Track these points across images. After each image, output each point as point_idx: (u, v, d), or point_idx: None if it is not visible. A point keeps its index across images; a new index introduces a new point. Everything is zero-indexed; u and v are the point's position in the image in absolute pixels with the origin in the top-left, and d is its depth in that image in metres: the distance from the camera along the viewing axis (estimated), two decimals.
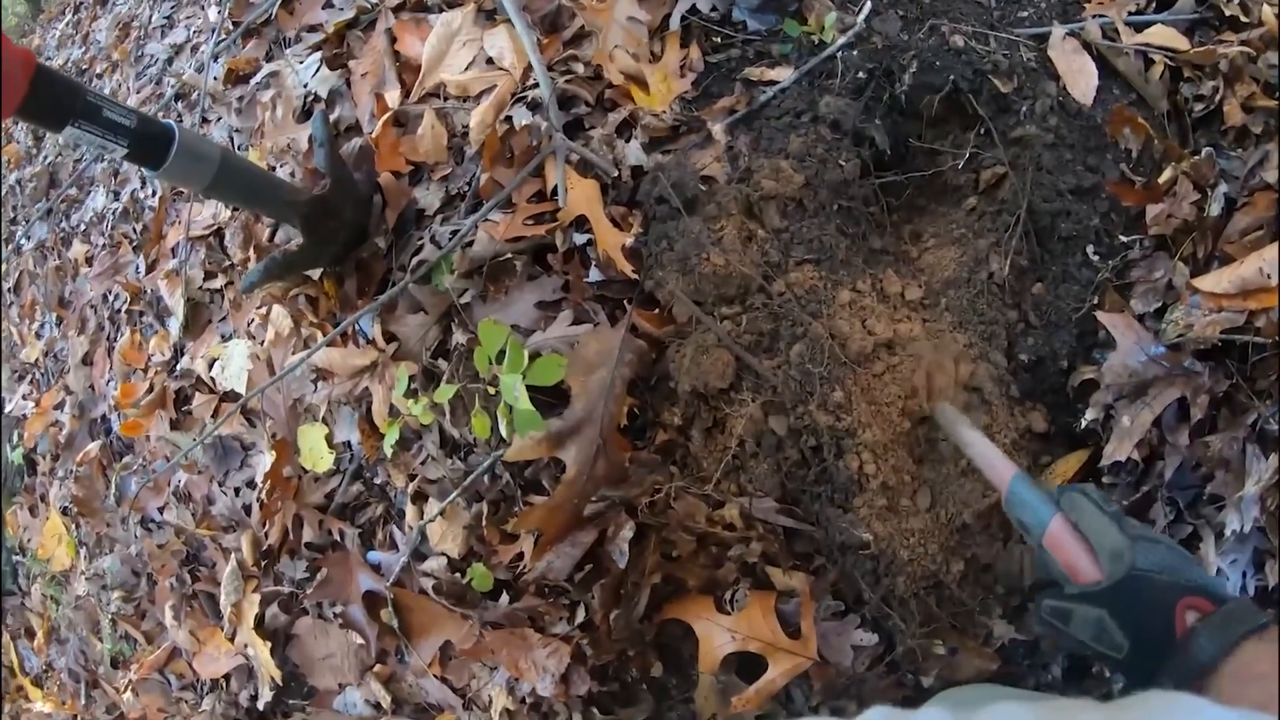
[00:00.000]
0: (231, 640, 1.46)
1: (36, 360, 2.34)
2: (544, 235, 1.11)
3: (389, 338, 1.19)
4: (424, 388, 1.15)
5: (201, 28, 2.09)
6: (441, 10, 1.38)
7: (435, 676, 1.19)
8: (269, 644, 1.36)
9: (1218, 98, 1.12)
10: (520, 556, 1.09)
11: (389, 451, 1.19)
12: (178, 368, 1.66)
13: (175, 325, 1.68)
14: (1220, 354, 0.96)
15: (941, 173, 1.15)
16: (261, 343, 1.44)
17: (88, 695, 1.98)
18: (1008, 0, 1.24)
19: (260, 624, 1.38)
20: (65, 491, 2.00)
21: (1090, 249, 1.08)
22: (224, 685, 1.52)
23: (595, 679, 1.06)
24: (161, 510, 1.68)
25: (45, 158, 2.78)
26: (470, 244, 1.13)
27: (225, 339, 1.56)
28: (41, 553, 2.13)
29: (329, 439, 1.31)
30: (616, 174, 1.13)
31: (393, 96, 1.34)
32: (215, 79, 1.77)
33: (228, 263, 1.59)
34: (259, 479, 1.43)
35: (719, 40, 1.25)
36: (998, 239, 1.09)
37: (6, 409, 2.34)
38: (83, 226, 2.28)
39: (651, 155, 1.14)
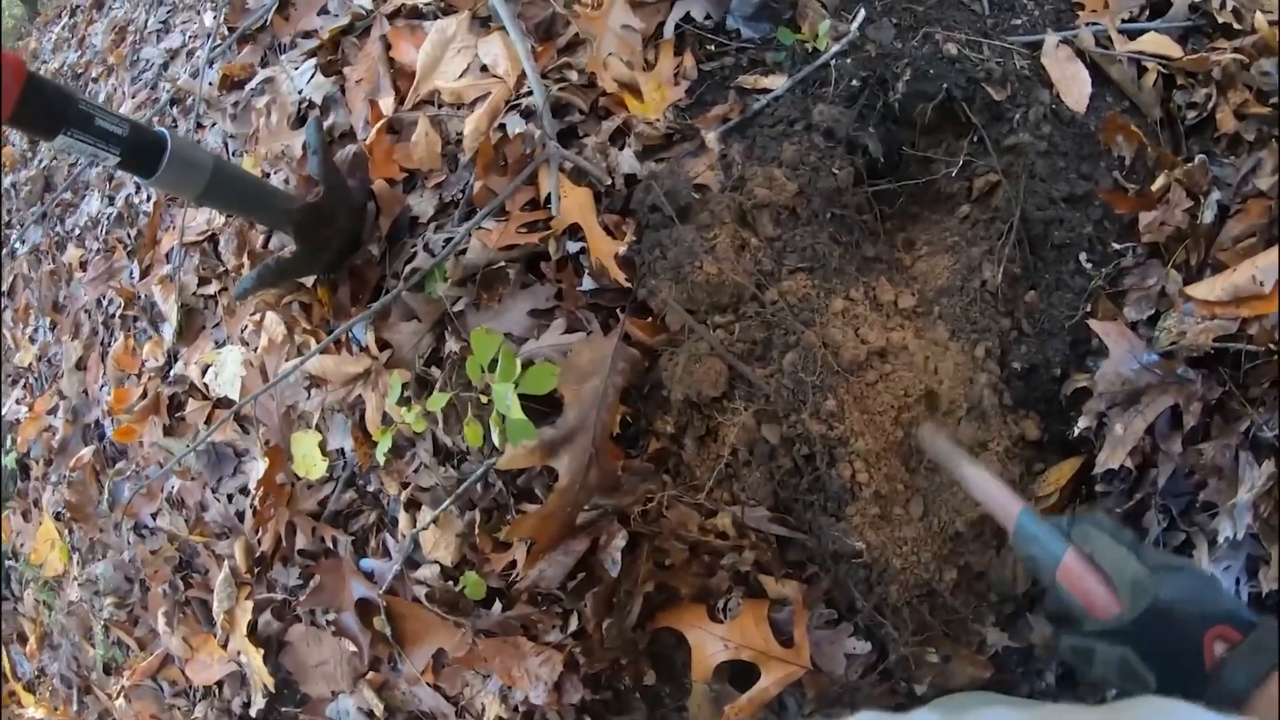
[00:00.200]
0: (224, 647, 1.46)
1: (30, 364, 2.34)
2: (537, 243, 1.11)
3: (382, 345, 1.19)
4: (417, 395, 1.15)
5: (197, 33, 2.09)
6: (436, 17, 1.38)
7: (428, 684, 1.19)
8: (262, 651, 1.36)
9: (1211, 105, 1.12)
10: (513, 565, 1.08)
11: (382, 459, 1.19)
12: (171, 373, 1.65)
13: (169, 331, 1.68)
14: (1213, 361, 0.96)
15: (935, 180, 1.15)
16: (255, 349, 1.43)
17: (80, 701, 1.97)
18: (1001, 8, 1.24)
19: (253, 631, 1.38)
20: (58, 497, 2.00)
21: (1083, 257, 1.08)
22: (217, 692, 1.51)
23: (588, 687, 1.06)
24: (154, 516, 1.67)
25: (40, 161, 2.78)
26: (464, 252, 1.12)
27: (219, 345, 1.56)
28: (34, 558, 2.12)
29: (322, 446, 1.31)
30: (610, 182, 1.13)
31: (387, 103, 1.34)
32: (210, 84, 1.76)
33: (221, 269, 1.59)
34: (252, 486, 1.42)
35: (713, 48, 1.25)
36: (991, 247, 1.09)
37: (1, 413, 2.34)
38: (77, 231, 2.27)
39: (645, 163, 1.14)
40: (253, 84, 1.65)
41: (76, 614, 1.96)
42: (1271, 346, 0.92)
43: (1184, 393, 0.96)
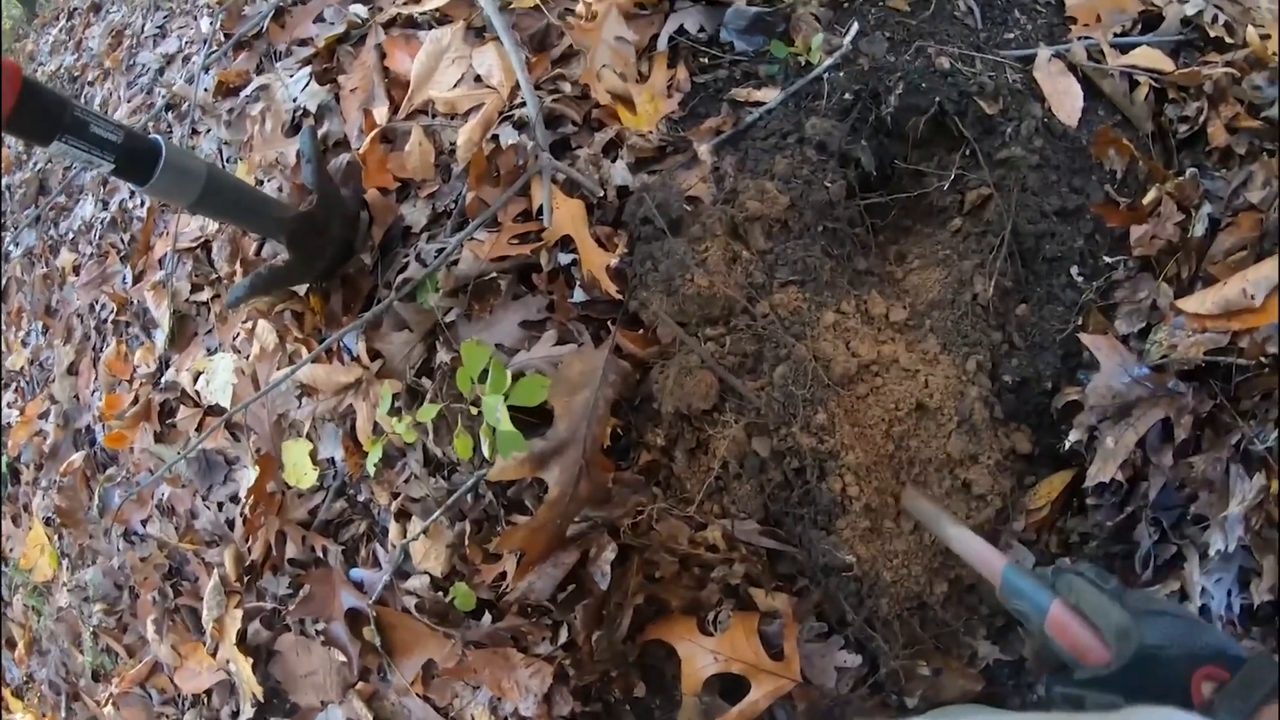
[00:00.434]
0: (213, 655, 1.45)
1: (22, 368, 2.33)
2: (529, 255, 1.11)
3: (373, 355, 1.19)
4: (408, 406, 1.15)
5: (193, 38, 2.09)
6: (431, 27, 1.38)
7: (418, 695, 1.18)
8: (251, 660, 1.35)
9: (1202, 119, 1.13)
10: (503, 576, 1.08)
11: (372, 469, 1.18)
12: (163, 380, 1.65)
13: (161, 337, 1.67)
14: (1204, 374, 0.97)
15: (927, 194, 1.15)
16: (247, 357, 1.43)
17: (68, 708, 1.96)
18: (994, 22, 1.25)
19: (242, 640, 1.37)
20: (48, 502, 1.99)
21: (1075, 270, 1.08)
22: (205, 701, 1.50)
23: (578, 699, 1.05)
24: (144, 523, 1.67)
25: (35, 164, 2.77)
26: (456, 262, 1.12)
27: (210, 352, 1.55)
28: (24, 563, 2.11)
29: (313, 455, 1.31)
30: (602, 194, 1.13)
31: (381, 113, 1.34)
32: (205, 91, 1.76)
33: (214, 276, 1.59)
34: (242, 494, 1.42)
35: (706, 61, 1.25)
36: (982, 260, 1.09)
37: None
38: (71, 235, 2.27)
39: (637, 175, 1.14)
40: (248, 91, 1.65)
41: (65, 620, 1.95)
42: (1262, 359, 0.92)
43: (1175, 406, 0.96)
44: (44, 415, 2.12)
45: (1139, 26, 1.23)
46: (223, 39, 1.81)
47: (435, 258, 1.15)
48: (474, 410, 1.00)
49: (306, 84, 1.48)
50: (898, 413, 1.01)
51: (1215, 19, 1.20)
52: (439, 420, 1.10)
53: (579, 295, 1.09)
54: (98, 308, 2.00)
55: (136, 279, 1.85)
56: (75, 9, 3.50)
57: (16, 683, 2.22)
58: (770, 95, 1.18)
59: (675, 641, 1.02)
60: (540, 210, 1.13)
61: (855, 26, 1.21)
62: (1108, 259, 1.08)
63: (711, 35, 1.26)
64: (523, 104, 1.21)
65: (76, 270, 2.15)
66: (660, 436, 1.05)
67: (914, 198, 1.16)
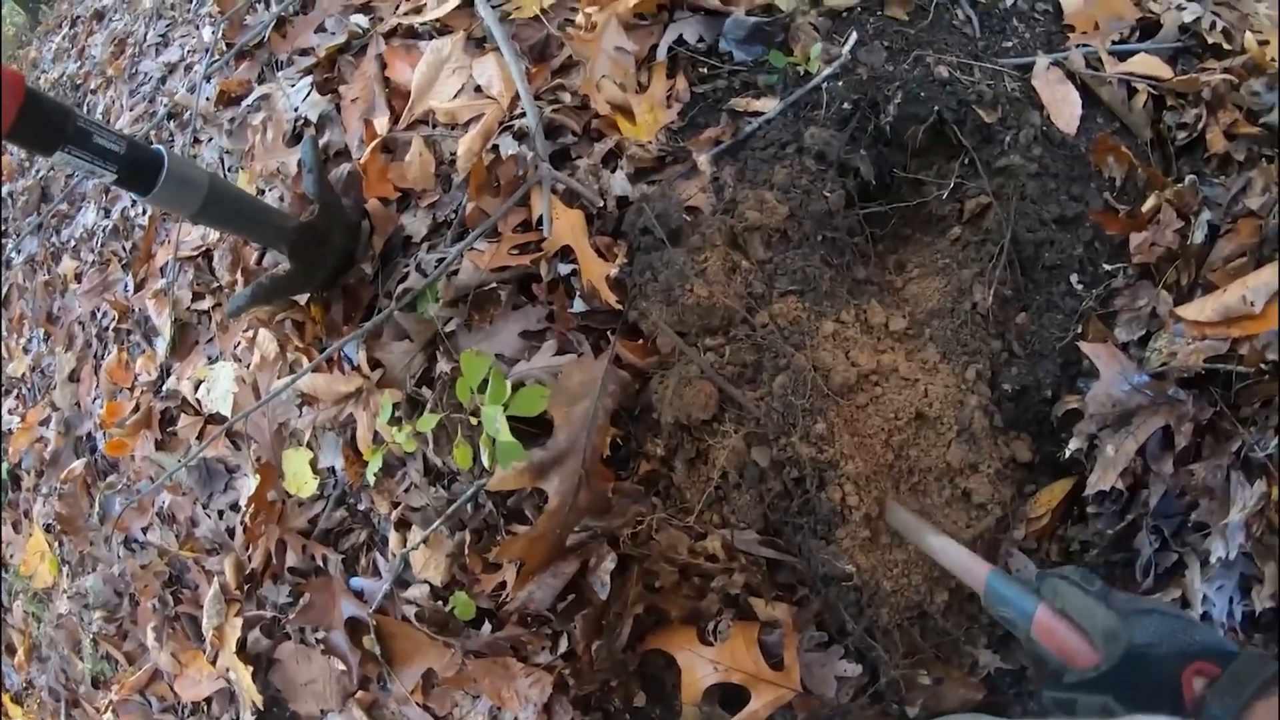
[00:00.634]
0: (213, 663, 1.45)
1: (23, 375, 2.33)
2: (529, 265, 1.11)
3: (374, 364, 1.19)
4: (408, 415, 1.15)
5: (195, 47, 2.10)
6: (432, 37, 1.39)
7: (417, 704, 1.18)
8: (251, 668, 1.35)
9: (1200, 125, 1.13)
10: (503, 586, 1.08)
11: (372, 478, 1.18)
12: (164, 388, 1.65)
13: (162, 345, 1.68)
14: (1204, 382, 0.97)
15: (926, 203, 1.16)
16: (247, 366, 1.43)
17: (68, 715, 1.96)
18: (992, 31, 1.25)
19: (242, 648, 1.37)
20: (49, 508, 1.99)
21: (1074, 278, 1.08)
22: (205, 709, 1.50)
23: (578, 709, 1.05)
24: (145, 531, 1.67)
25: (38, 172, 2.78)
26: (456, 272, 1.12)
27: (211, 361, 1.56)
28: (24, 569, 2.11)
29: (313, 464, 1.31)
30: (602, 204, 1.14)
31: (382, 123, 1.35)
32: (207, 100, 1.77)
33: (215, 284, 1.59)
34: (243, 502, 1.42)
35: (705, 71, 1.25)
36: (982, 269, 1.09)
37: None
38: (73, 242, 2.27)
39: (637, 185, 1.14)
40: (249, 100, 1.65)
41: (65, 627, 1.94)
42: (1262, 366, 0.92)
43: (1175, 413, 0.96)
44: (45, 422, 2.12)
45: (1137, 34, 1.24)
46: (224, 48, 1.82)
47: (435, 267, 1.15)
48: (474, 420, 1.00)
49: (308, 94, 1.48)
50: (897, 422, 1.01)
51: (1213, 26, 1.20)
52: (439, 430, 1.10)
53: (579, 305, 1.09)
54: (99, 315, 2.00)
55: (138, 287, 1.86)
56: (78, 17, 3.51)
57: (16, 689, 2.22)
58: (769, 105, 1.18)
59: (675, 651, 1.01)
60: (540, 220, 1.13)
61: (854, 36, 1.22)
62: (1107, 266, 1.08)
63: (710, 45, 1.26)
64: (523, 114, 1.21)
65: (78, 278, 2.15)
66: (660, 446, 1.05)
67: (913, 207, 1.16)
